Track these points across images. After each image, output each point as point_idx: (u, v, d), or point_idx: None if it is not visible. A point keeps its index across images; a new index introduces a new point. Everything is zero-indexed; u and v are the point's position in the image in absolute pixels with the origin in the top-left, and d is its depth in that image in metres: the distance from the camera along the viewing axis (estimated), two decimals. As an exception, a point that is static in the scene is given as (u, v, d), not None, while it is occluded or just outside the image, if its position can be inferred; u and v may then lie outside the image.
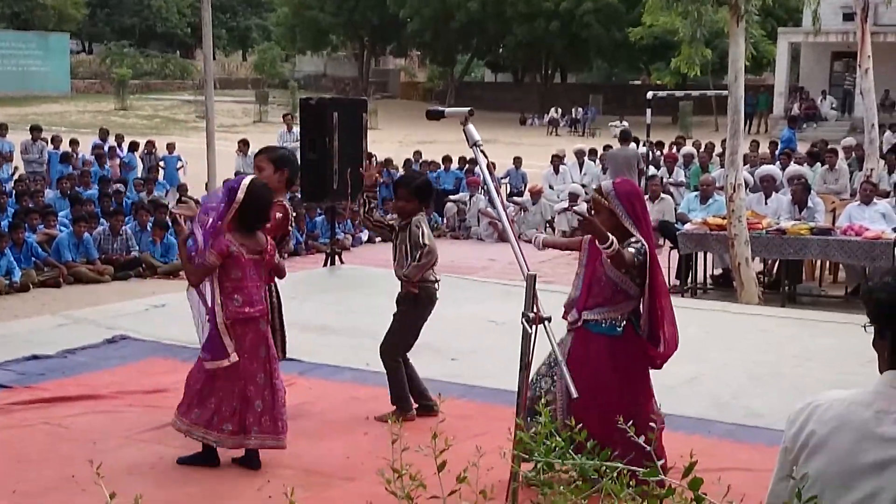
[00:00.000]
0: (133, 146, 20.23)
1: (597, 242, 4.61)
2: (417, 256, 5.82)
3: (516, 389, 3.95)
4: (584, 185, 16.41)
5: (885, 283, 2.32)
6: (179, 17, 67.01)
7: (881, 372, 2.33)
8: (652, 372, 4.91)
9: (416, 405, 6.09)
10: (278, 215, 5.57)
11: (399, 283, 6.02)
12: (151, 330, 8.36)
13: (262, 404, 5.22)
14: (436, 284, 6.01)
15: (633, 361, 4.79)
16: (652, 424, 4.49)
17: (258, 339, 5.24)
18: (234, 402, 5.17)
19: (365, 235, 15.82)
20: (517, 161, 19.95)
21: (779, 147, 20.29)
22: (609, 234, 4.54)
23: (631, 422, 2.51)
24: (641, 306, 4.82)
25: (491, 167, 4.31)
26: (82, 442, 5.63)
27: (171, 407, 6.20)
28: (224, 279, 5.13)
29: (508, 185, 19.70)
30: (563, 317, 4.91)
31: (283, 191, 5.86)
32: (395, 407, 6.00)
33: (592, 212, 4.99)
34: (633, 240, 4.71)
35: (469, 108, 4.33)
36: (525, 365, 3.88)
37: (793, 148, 18.74)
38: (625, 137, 16.72)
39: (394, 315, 6.10)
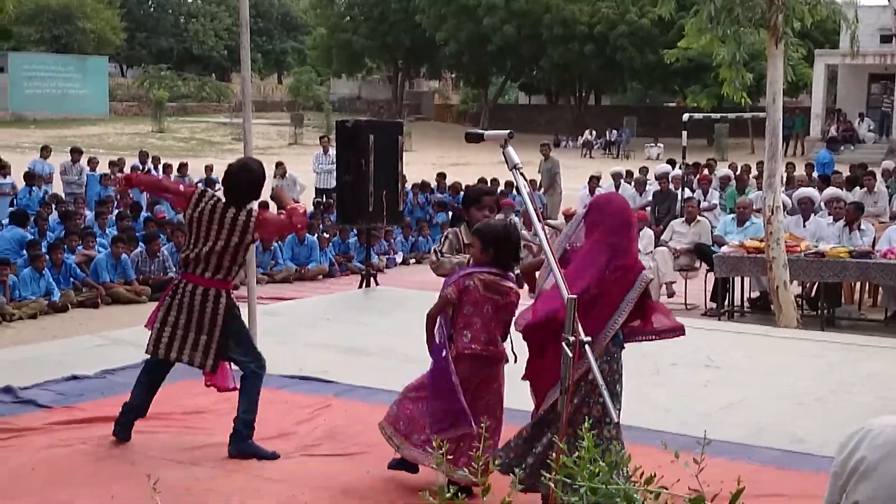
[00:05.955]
0: (166, 168, 20.44)
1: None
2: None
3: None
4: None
5: None
6: (216, 41, 67.72)
7: None
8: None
9: None
10: None
11: None
12: (188, 351, 8.38)
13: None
14: None
15: None
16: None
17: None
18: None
19: (399, 257, 15.83)
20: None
21: (815, 168, 20.14)
22: None
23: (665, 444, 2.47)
24: None
25: (532, 190, 4.29)
26: (121, 462, 5.65)
27: (208, 429, 6.24)
28: (457, 314, 5.12)
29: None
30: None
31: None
32: None
33: None
34: None
35: (509, 131, 4.32)
36: (566, 388, 3.86)
37: (829, 173, 18.55)
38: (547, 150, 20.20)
39: None
